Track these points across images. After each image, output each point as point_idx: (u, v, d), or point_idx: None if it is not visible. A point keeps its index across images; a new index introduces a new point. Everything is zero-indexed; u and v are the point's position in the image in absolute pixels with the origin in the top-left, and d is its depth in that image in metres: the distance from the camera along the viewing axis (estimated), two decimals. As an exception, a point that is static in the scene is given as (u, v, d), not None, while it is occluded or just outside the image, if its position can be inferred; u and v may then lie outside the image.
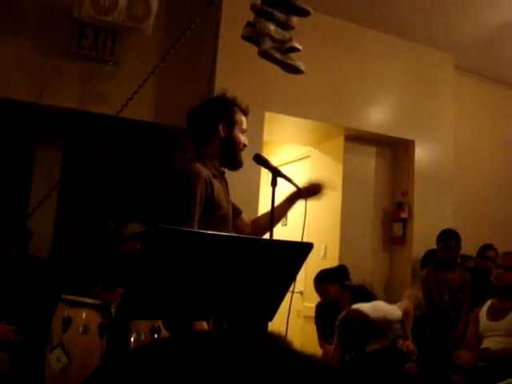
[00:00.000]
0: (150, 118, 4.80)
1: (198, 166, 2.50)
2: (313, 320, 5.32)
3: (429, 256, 5.17)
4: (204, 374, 0.45)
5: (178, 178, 2.51)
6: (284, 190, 2.74)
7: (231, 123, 2.65)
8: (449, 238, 4.84)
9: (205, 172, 2.49)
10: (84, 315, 3.66)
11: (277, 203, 2.55)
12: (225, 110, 2.66)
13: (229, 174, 2.75)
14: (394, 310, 4.04)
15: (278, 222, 2.70)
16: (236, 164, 2.68)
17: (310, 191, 2.70)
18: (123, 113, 3.97)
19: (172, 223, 2.01)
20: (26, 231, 4.46)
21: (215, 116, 2.64)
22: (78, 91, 4.54)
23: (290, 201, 2.72)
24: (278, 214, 2.61)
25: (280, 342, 0.52)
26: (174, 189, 2.48)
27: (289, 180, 2.63)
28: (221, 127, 2.62)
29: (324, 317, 4.67)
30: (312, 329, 5.31)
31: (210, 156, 2.62)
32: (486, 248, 5.03)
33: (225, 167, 2.69)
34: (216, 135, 2.63)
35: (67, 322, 3.60)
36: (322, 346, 4.72)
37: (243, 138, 2.68)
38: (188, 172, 2.47)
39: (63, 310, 3.66)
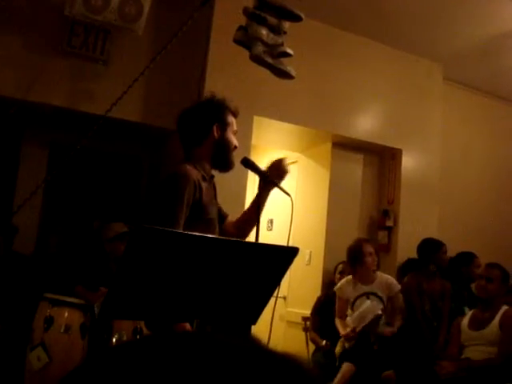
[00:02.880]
0: (139, 118, 4.78)
1: (189, 168, 2.49)
2: (296, 325, 5.34)
3: (408, 265, 5.18)
4: (179, 371, 0.45)
5: (166, 179, 2.50)
6: (271, 194, 2.74)
7: (224, 125, 2.65)
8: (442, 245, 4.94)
9: (195, 174, 2.48)
10: (66, 314, 3.63)
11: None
12: (218, 112, 2.65)
13: (216, 177, 2.74)
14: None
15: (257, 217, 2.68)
16: (228, 165, 2.67)
17: (275, 175, 2.60)
18: (112, 112, 3.95)
19: (157, 226, 2.00)
20: (11, 227, 4.41)
21: (209, 118, 2.64)
22: (66, 89, 4.51)
23: (263, 192, 2.68)
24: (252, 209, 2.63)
25: (253, 341, 0.52)
26: (162, 191, 2.47)
27: (276, 184, 2.63)
28: (215, 129, 2.63)
29: (325, 309, 4.74)
30: (295, 333, 5.32)
31: (201, 158, 2.61)
32: (475, 256, 5.12)
33: (216, 169, 2.69)
34: (209, 137, 2.62)
35: (49, 321, 3.57)
36: (312, 339, 4.78)
37: (235, 140, 2.69)
38: (177, 174, 2.46)
39: (45, 308, 3.62)
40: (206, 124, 2.63)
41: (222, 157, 2.65)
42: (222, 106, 2.67)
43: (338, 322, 4.48)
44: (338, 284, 4.62)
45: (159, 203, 2.45)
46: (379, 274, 4.57)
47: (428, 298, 4.73)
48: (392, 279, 4.62)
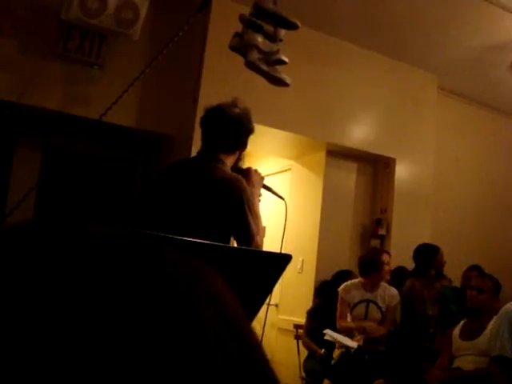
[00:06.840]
0: (134, 123, 4.77)
1: None
2: (287, 333, 5.33)
3: (397, 273, 5.16)
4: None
5: (236, 186, 2.39)
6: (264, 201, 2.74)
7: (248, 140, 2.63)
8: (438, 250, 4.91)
9: None
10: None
11: None
12: (253, 126, 2.63)
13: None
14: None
15: None
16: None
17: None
18: (106, 117, 3.94)
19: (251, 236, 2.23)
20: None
21: (250, 130, 2.61)
22: (61, 93, 4.50)
23: None
24: None
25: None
26: (240, 200, 2.37)
27: (269, 189, 2.64)
28: (247, 142, 2.61)
29: (321, 314, 4.75)
30: (286, 341, 5.30)
31: (229, 166, 2.55)
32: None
33: None
34: (241, 148, 2.60)
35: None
36: (306, 344, 4.77)
37: None
38: (244, 184, 2.40)
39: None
40: (247, 135, 2.59)
41: (236, 168, 2.62)
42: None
43: (341, 324, 4.51)
44: (343, 285, 4.63)
45: (245, 212, 2.37)
46: (383, 283, 4.60)
47: (431, 303, 4.73)
48: (394, 291, 4.63)
